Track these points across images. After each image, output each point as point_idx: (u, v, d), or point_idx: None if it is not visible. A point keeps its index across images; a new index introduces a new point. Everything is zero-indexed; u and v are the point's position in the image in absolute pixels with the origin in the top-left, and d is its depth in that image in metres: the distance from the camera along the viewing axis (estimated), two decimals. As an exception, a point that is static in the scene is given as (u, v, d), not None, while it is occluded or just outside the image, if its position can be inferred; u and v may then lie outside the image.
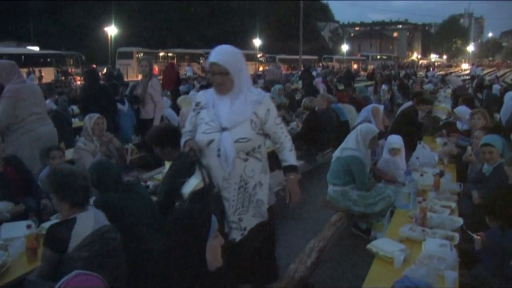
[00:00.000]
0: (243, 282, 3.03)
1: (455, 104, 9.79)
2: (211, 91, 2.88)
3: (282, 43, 55.59)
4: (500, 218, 2.99)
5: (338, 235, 4.27)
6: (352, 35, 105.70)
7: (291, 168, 2.98)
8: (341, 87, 17.54)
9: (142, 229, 2.97)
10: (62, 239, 2.42)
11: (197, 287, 1.96)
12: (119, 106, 6.84)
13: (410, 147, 5.53)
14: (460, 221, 3.41)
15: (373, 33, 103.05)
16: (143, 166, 6.00)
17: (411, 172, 4.40)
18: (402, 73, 30.42)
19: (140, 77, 6.93)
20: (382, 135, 5.53)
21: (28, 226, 2.95)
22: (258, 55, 46.53)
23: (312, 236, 3.97)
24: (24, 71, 22.28)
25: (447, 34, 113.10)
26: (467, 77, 27.81)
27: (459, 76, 31.14)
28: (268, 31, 52.73)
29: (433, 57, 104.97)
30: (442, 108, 10.53)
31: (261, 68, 40.27)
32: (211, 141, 2.75)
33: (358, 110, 8.71)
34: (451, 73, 40.20)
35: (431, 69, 47.74)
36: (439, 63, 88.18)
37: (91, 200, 3.41)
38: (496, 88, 13.87)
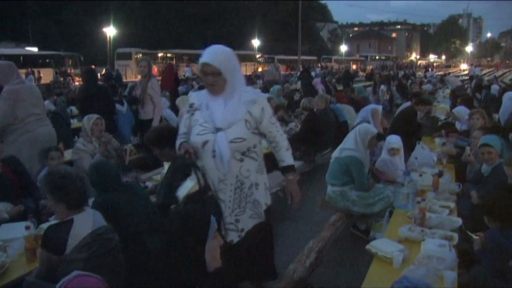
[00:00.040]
0: (241, 281, 3.03)
1: (453, 105, 9.81)
2: (204, 92, 2.86)
3: (280, 43, 55.61)
4: (499, 218, 2.99)
5: (337, 235, 4.27)
6: (350, 35, 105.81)
7: (289, 168, 2.97)
8: (340, 87, 17.56)
9: (141, 230, 2.97)
10: (59, 241, 2.42)
11: (196, 287, 1.96)
12: (118, 106, 6.83)
13: (409, 147, 5.54)
14: (459, 221, 3.41)
15: (372, 33, 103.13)
16: (142, 166, 5.99)
17: (410, 172, 4.40)
18: (401, 73, 30.42)
19: (139, 77, 6.92)
20: (381, 137, 5.54)
21: (27, 227, 2.95)
22: (257, 56, 46.54)
23: (311, 237, 3.97)
24: (22, 72, 22.25)
25: (445, 35, 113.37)
26: (466, 78, 27.81)
27: (458, 76, 31.17)
28: (266, 31, 52.74)
29: (432, 57, 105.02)
30: (441, 108, 10.55)
31: (260, 69, 40.25)
32: (206, 142, 2.73)
33: (357, 110, 8.73)
34: (449, 73, 40.26)
35: (429, 69, 47.87)
36: (437, 63, 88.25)
37: (90, 201, 3.42)
38: (494, 88, 13.88)
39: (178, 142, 2.87)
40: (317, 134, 7.04)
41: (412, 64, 69.93)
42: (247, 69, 40.40)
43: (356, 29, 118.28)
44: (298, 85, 18.51)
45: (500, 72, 44.39)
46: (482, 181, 4.21)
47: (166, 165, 4.05)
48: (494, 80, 18.25)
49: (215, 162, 2.73)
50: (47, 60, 31.10)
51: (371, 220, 4.58)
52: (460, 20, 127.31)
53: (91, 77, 6.73)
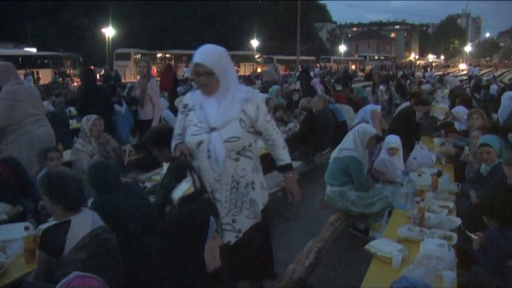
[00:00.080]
0: (240, 280, 3.03)
1: (452, 105, 9.82)
2: (198, 92, 2.85)
3: (279, 43, 55.59)
4: (498, 218, 3.00)
5: (336, 235, 4.27)
6: (349, 35, 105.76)
7: (288, 167, 2.97)
8: (338, 87, 17.58)
9: (140, 230, 2.97)
10: (57, 242, 2.41)
11: (196, 287, 1.96)
12: (117, 107, 6.82)
13: (408, 147, 5.54)
14: (458, 221, 3.42)
15: (371, 33, 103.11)
16: (141, 167, 5.99)
17: (409, 172, 4.40)
18: (400, 73, 30.46)
19: (138, 78, 6.91)
20: (379, 139, 5.55)
21: (26, 228, 2.94)
22: (256, 56, 46.55)
23: (310, 237, 3.97)
24: (21, 72, 22.24)
25: (444, 35, 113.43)
26: (465, 77, 27.87)
27: (457, 76, 31.23)
28: (265, 31, 52.73)
29: (431, 57, 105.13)
30: (439, 108, 10.56)
31: (259, 69, 40.26)
32: (200, 143, 2.71)
33: (356, 110, 8.74)
34: (448, 73, 40.30)
35: (428, 69, 47.89)
36: (436, 63, 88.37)
37: (89, 202, 3.42)
38: (493, 88, 13.90)
39: (173, 144, 2.85)
40: (316, 134, 7.05)
41: (411, 64, 70.03)
42: (246, 70, 40.42)
43: (355, 29, 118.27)
44: (297, 85, 18.53)
45: (499, 72, 44.51)
46: (481, 181, 4.22)
47: (165, 166, 4.04)
48: (493, 80, 18.30)
49: (210, 162, 2.72)
50: (46, 61, 31.07)
51: (370, 220, 4.59)
52: (459, 20, 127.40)
53: (90, 77, 6.73)
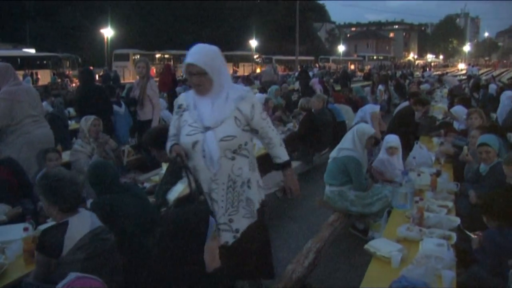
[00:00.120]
0: (239, 280, 3.02)
1: (451, 104, 9.83)
2: (192, 92, 2.84)
3: (278, 44, 55.58)
4: (498, 218, 3.00)
5: (336, 235, 4.27)
6: (348, 35, 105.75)
7: (286, 164, 2.96)
8: (337, 87, 17.58)
9: (139, 230, 2.97)
10: (55, 244, 2.41)
11: (195, 287, 1.96)
12: (116, 108, 6.82)
13: (407, 147, 5.54)
14: (457, 220, 3.42)
15: (370, 33, 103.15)
16: (140, 167, 5.99)
17: (408, 172, 4.41)
18: (399, 73, 30.47)
19: (137, 78, 6.90)
20: (378, 142, 5.55)
21: (25, 229, 2.94)
22: (255, 56, 46.55)
23: (310, 237, 3.97)
24: (20, 73, 22.22)
25: (443, 34, 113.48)
26: (464, 77, 27.89)
27: (456, 76, 31.23)
28: (264, 32, 52.70)
29: (430, 57, 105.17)
30: (438, 108, 10.58)
31: (258, 70, 40.26)
32: (195, 143, 2.70)
33: (355, 110, 8.74)
34: (447, 73, 40.32)
35: (427, 69, 47.94)
36: (435, 63, 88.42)
37: (88, 202, 3.41)
38: (492, 87, 13.91)
39: (168, 145, 2.84)
40: (315, 134, 7.05)
41: (410, 64, 70.15)
42: (245, 70, 40.41)
43: (353, 29, 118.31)
44: (296, 85, 18.54)
45: (497, 72, 44.57)
46: (480, 181, 4.22)
47: (164, 166, 4.04)
48: (491, 79, 18.34)
49: (206, 162, 2.71)
50: (45, 62, 31.01)
51: (369, 220, 4.58)
52: (458, 20, 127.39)
53: (88, 78, 6.72)
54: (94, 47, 39.35)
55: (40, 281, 2.42)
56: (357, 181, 4.52)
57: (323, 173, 4.84)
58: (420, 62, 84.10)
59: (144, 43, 40.69)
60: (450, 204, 3.82)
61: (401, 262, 2.72)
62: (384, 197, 4.36)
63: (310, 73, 23.20)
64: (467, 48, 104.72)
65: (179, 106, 2.86)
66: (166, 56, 38.17)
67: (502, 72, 46.18)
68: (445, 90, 15.55)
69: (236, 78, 27.82)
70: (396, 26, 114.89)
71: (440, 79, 21.27)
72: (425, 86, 16.08)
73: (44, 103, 8.44)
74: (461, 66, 74.12)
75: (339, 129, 7.55)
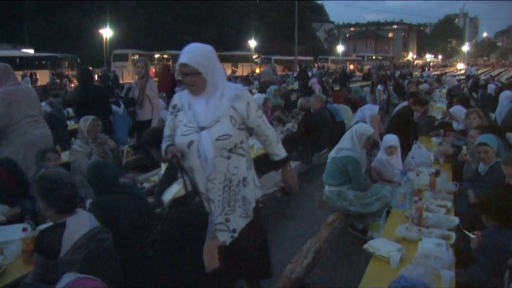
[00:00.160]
0: (237, 280, 3.02)
1: (450, 104, 9.84)
2: (186, 92, 2.82)
3: (277, 44, 55.58)
4: (496, 217, 3.00)
5: (335, 235, 4.27)
6: (347, 35, 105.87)
7: (284, 161, 2.97)
8: (336, 87, 17.59)
9: (138, 230, 2.97)
10: (53, 244, 2.40)
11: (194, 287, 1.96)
12: (115, 108, 6.81)
13: (405, 147, 5.55)
14: (456, 220, 3.42)
15: (368, 33, 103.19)
16: (139, 168, 5.99)
17: (407, 171, 4.41)
18: (398, 73, 30.50)
19: (136, 78, 6.90)
20: (377, 144, 5.55)
21: (24, 229, 2.94)
22: (254, 56, 46.55)
23: (309, 237, 3.97)
24: (19, 74, 22.21)
25: (442, 34, 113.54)
26: (463, 77, 27.91)
27: (454, 76, 31.23)
28: (263, 32, 52.71)
29: (428, 57, 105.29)
30: (437, 107, 10.60)
31: (257, 70, 40.26)
32: (191, 143, 2.69)
33: (354, 110, 8.73)
34: (446, 73, 40.35)
35: (426, 69, 48.00)
36: (434, 63, 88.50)
37: (87, 202, 3.41)
38: (491, 87, 13.93)
39: (164, 146, 2.83)
40: (314, 134, 7.05)
41: (408, 64, 70.22)
42: (244, 70, 40.40)
43: (352, 29, 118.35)
44: (296, 85, 18.54)
45: (496, 72, 44.60)
46: (479, 180, 4.22)
47: (163, 166, 4.04)
48: (490, 79, 18.32)
49: (201, 162, 2.70)
50: (44, 62, 31.04)
51: (368, 220, 4.58)
52: (456, 20, 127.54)
53: (87, 78, 6.70)
54: (93, 47, 39.31)
55: (38, 282, 2.41)
56: (356, 181, 4.52)
57: (322, 173, 4.84)
58: (419, 62, 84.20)
59: (143, 43, 40.72)
60: (449, 204, 3.82)
61: (400, 262, 2.73)
62: (383, 197, 4.36)
63: (309, 73, 23.20)
64: (466, 48, 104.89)
65: (174, 107, 2.85)
66: (165, 56, 38.15)
67: (501, 72, 46.22)
68: (444, 90, 15.57)
69: (235, 78, 27.83)
70: (395, 26, 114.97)
71: (439, 79, 21.27)
72: (424, 86, 16.10)
73: (43, 104, 8.44)
74: (460, 66, 74.23)
75: (338, 129, 7.54)
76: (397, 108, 8.00)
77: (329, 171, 4.71)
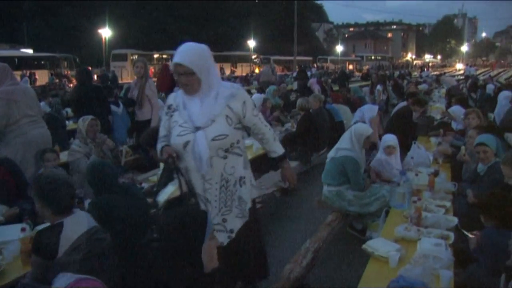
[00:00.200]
0: (234, 281, 3.01)
1: (449, 104, 9.85)
2: (181, 92, 2.80)
3: (276, 44, 55.54)
4: (495, 217, 3.00)
5: (334, 235, 4.28)
6: (346, 35, 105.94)
7: (282, 158, 2.96)
8: (335, 87, 17.59)
9: (137, 230, 2.96)
10: (50, 245, 2.39)
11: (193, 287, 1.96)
12: (114, 108, 6.81)
13: (405, 147, 5.55)
14: (455, 220, 3.43)
15: (368, 33, 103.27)
16: (138, 168, 5.99)
17: (406, 171, 4.41)
18: (397, 73, 30.52)
19: (135, 78, 6.89)
20: (375, 146, 5.54)
21: (23, 229, 2.93)
22: (253, 57, 46.56)
23: (308, 237, 3.97)
24: (17, 74, 22.19)
25: (441, 34, 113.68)
26: (461, 77, 27.95)
27: (453, 76, 31.29)
28: (262, 32, 52.68)
29: (428, 57, 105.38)
30: (436, 108, 10.61)
31: (257, 70, 40.26)
32: (187, 143, 2.67)
33: (353, 110, 8.74)
34: (445, 73, 40.41)
35: (425, 69, 48.02)
36: (433, 63, 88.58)
37: (86, 202, 3.41)
38: (490, 87, 13.94)
39: (159, 146, 2.81)
40: (313, 134, 7.05)
41: (407, 64, 70.22)
42: (243, 70, 40.38)
43: (351, 29, 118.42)
44: (295, 85, 18.54)
45: (495, 72, 44.65)
46: (478, 180, 4.22)
47: (162, 166, 4.03)
48: (489, 79, 18.35)
49: (196, 162, 2.68)
50: (42, 62, 30.98)
51: (367, 220, 4.59)
52: (455, 20, 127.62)
53: (86, 78, 6.69)
54: (92, 47, 39.30)
55: (37, 282, 2.41)
56: (354, 181, 4.52)
57: (321, 173, 4.84)
58: (418, 62, 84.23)
59: (142, 43, 40.67)
60: (448, 204, 3.83)
61: (399, 262, 2.73)
62: (382, 197, 4.36)
63: (308, 73, 23.20)
64: (464, 48, 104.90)
65: (169, 107, 2.83)
66: (164, 56, 38.12)
67: (500, 72, 46.28)
68: (443, 90, 15.58)
69: (234, 78, 27.84)
70: (394, 26, 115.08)
71: (438, 79, 21.32)
72: (423, 86, 16.13)
73: (42, 104, 8.43)
74: (459, 66, 74.29)
75: (337, 129, 7.55)
76: (396, 108, 8.01)
77: (328, 171, 4.71)
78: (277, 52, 51.93)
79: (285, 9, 56.22)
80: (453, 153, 5.29)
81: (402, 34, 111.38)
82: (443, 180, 4.50)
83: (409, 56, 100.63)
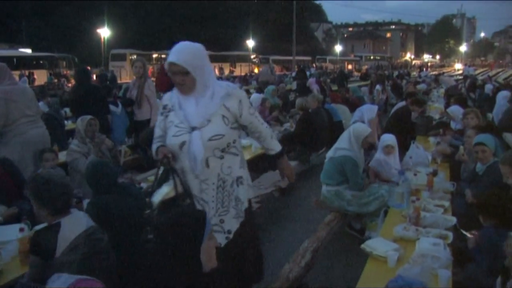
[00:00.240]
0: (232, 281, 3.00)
1: (448, 104, 9.85)
2: (176, 92, 2.76)
3: (275, 44, 55.58)
4: (494, 217, 3.01)
5: (332, 235, 4.28)
6: (345, 35, 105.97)
7: (280, 154, 2.95)
8: (334, 87, 17.59)
9: (135, 231, 2.96)
10: (48, 246, 2.39)
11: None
12: (113, 108, 6.80)
13: (403, 147, 5.55)
14: (453, 220, 3.43)
15: (366, 33, 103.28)
16: (137, 167, 5.99)
17: (405, 171, 4.41)
18: (395, 73, 30.55)
19: (133, 78, 6.89)
20: (372, 147, 5.54)
21: (21, 229, 2.93)
22: (252, 56, 46.56)
23: (306, 236, 3.97)
24: (16, 73, 22.16)
25: (440, 34, 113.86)
26: (460, 77, 27.97)
27: (452, 76, 31.32)
28: (261, 32, 52.70)
29: (426, 57, 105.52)
30: (435, 107, 10.63)
31: (256, 70, 40.26)
32: (183, 143, 2.63)
33: (352, 110, 8.74)
34: (444, 73, 40.40)
35: (424, 69, 48.07)
36: (432, 63, 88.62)
37: (85, 202, 3.40)
38: (488, 87, 13.98)
39: (154, 147, 2.78)
40: (312, 134, 7.05)
41: (406, 64, 70.30)
42: (242, 70, 40.40)
43: (350, 29, 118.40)
44: (294, 85, 18.54)
45: (493, 72, 44.63)
46: (476, 180, 4.23)
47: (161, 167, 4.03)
48: (487, 79, 18.39)
49: (190, 162, 2.65)
50: (41, 62, 30.94)
51: (366, 220, 4.59)
52: (454, 20, 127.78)
53: (84, 77, 6.67)
54: (91, 47, 39.27)
55: (35, 282, 2.41)
56: (353, 181, 4.52)
57: (320, 173, 4.84)
58: (417, 62, 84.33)
59: (141, 43, 40.66)
60: (447, 203, 3.83)
61: (398, 262, 2.73)
62: (381, 196, 4.36)
63: (307, 73, 23.20)
64: (463, 48, 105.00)
65: (164, 107, 2.80)
66: (163, 56, 38.01)
67: (498, 72, 46.26)
68: (442, 90, 15.60)
69: (233, 78, 27.83)
70: (393, 26, 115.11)
71: (436, 79, 21.31)
72: (421, 86, 16.12)
73: (41, 104, 8.41)
74: (458, 66, 74.25)
75: (336, 129, 7.55)
76: (395, 108, 8.01)
77: (326, 171, 4.72)
78: (276, 52, 51.95)
79: (284, 9, 56.22)
80: (451, 153, 5.29)
81: (401, 34, 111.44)
82: (442, 179, 4.51)
83: (408, 56, 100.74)
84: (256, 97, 8.86)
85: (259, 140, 2.92)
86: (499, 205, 3.00)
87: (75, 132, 5.03)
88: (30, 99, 4.75)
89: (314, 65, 50.86)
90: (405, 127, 6.81)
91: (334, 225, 4.34)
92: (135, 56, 30.58)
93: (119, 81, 25.48)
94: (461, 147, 5.01)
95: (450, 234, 3.13)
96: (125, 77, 30.75)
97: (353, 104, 10.38)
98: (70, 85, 25.39)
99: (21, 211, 3.62)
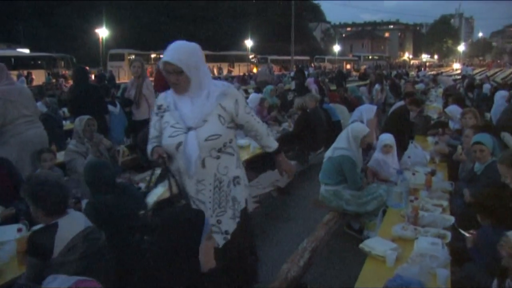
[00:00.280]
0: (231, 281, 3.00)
1: (446, 104, 9.86)
2: (171, 92, 2.75)
3: (273, 44, 55.56)
4: (492, 216, 3.01)
5: (331, 234, 4.28)
6: (343, 35, 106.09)
7: (277, 151, 2.95)
8: (333, 87, 17.60)
9: (134, 231, 2.96)
10: (45, 246, 2.38)
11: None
12: (111, 108, 6.80)
13: (402, 147, 5.56)
14: (451, 219, 3.43)
15: (365, 33, 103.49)
16: (135, 168, 5.98)
17: (403, 171, 4.41)
18: (394, 73, 30.57)
19: (132, 78, 6.87)
20: (370, 147, 5.54)
21: (19, 230, 2.93)
22: (250, 56, 46.55)
23: (305, 236, 3.97)
24: (14, 73, 22.11)
25: (438, 34, 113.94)
26: (458, 77, 28.00)
27: (450, 75, 31.36)
28: (259, 32, 52.69)
29: (424, 57, 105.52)
30: (433, 107, 10.65)
31: (254, 70, 40.24)
32: (179, 144, 2.61)
33: (350, 110, 8.75)
34: (442, 73, 40.48)
35: (422, 69, 48.15)
36: (430, 63, 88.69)
37: (83, 202, 3.40)
38: (486, 87, 13.99)
39: (149, 147, 2.75)
40: (310, 133, 7.05)
41: (405, 63, 70.32)
42: (240, 70, 40.38)
43: (349, 29, 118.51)
44: (292, 85, 18.54)
45: (491, 72, 44.77)
46: (474, 180, 4.23)
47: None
48: (485, 79, 18.42)
49: (185, 163, 2.63)
50: (39, 62, 30.86)
51: (364, 219, 4.59)
52: (452, 20, 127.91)
53: (82, 77, 6.64)
54: (89, 47, 39.24)
55: (32, 283, 2.40)
56: (351, 180, 4.52)
57: (319, 173, 4.85)
58: (415, 62, 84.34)
59: (139, 43, 40.60)
60: (445, 203, 3.83)
61: (396, 261, 2.73)
62: (379, 196, 4.36)
63: (306, 73, 23.20)
64: (461, 48, 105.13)
65: (159, 107, 2.78)
66: (161, 56, 37.85)
67: (496, 72, 46.42)
68: (440, 90, 15.62)
69: (231, 78, 27.82)
70: (392, 26, 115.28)
71: (435, 79, 21.32)
72: (420, 86, 16.16)
73: (39, 104, 8.39)
74: (456, 66, 74.38)
75: (334, 129, 7.57)
76: (393, 107, 8.02)
77: (325, 171, 4.72)
78: (274, 52, 51.93)
79: (283, 9, 56.27)
80: (450, 153, 5.29)
81: (399, 33, 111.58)
82: (440, 179, 4.51)
83: (406, 55, 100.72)
84: (254, 97, 8.85)
85: (256, 138, 2.92)
86: (497, 204, 3.00)
87: (73, 132, 5.02)
88: (28, 99, 4.74)
89: (312, 65, 50.84)
90: (403, 127, 6.81)
91: (332, 224, 4.34)
92: (133, 56, 30.57)
93: (117, 81, 25.47)
94: (459, 147, 5.02)
95: (448, 234, 3.13)
96: (123, 77, 30.72)
97: (352, 104, 10.39)
98: (68, 85, 25.36)
99: (18, 212, 3.61)
